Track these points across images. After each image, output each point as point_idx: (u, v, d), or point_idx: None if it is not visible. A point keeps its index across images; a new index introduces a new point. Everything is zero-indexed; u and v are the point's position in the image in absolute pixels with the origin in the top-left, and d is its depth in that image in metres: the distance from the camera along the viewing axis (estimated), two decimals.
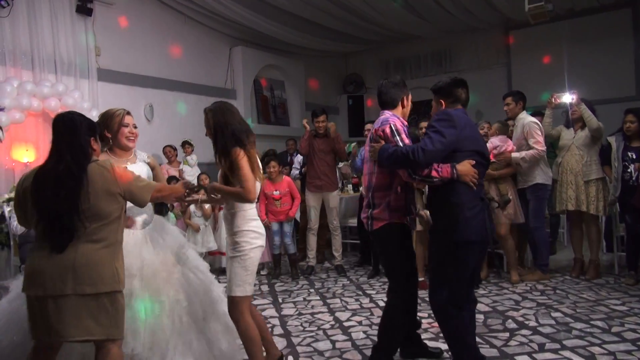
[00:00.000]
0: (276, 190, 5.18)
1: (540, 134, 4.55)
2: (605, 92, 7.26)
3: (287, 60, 9.33)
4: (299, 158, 6.40)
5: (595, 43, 7.98)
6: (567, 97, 4.62)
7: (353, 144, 6.14)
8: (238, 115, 2.63)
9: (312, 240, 5.49)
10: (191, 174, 6.53)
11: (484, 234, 2.53)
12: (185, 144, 6.82)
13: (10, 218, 4.57)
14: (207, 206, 5.66)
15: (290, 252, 5.30)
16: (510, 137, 4.77)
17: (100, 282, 2.04)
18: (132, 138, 2.68)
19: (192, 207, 5.51)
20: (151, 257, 2.52)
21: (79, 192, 2.03)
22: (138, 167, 2.64)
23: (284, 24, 7.97)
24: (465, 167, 2.46)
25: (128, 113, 2.71)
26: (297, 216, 6.43)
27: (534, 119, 4.67)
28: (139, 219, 2.63)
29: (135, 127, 2.73)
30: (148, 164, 2.78)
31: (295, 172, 6.39)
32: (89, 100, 6.09)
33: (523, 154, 4.54)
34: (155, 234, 2.67)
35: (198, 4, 7.20)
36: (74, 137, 2.12)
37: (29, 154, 5.63)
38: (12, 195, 5.12)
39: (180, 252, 2.72)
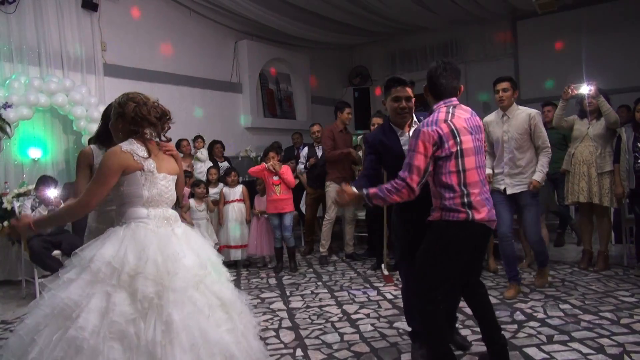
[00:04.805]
0: (275, 176, 5.27)
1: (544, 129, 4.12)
2: (616, 81, 7.18)
3: (292, 53, 9.30)
4: (304, 152, 6.39)
5: (605, 32, 7.89)
6: (585, 89, 4.39)
7: (360, 137, 6.12)
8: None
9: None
10: (202, 169, 6.53)
11: None
12: (198, 137, 6.83)
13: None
14: (210, 199, 5.69)
15: (290, 246, 5.34)
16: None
17: None
18: None
19: (192, 202, 5.50)
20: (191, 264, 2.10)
21: None
22: None
23: (290, 16, 7.94)
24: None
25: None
26: (303, 209, 6.46)
27: (537, 111, 4.13)
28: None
29: None
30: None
31: (300, 166, 6.39)
32: (96, 96, 6.12)
33: (540, 170, 3.94)
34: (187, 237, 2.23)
35: None
36: None
37: (37, 150, 5.63)
38: (22, 190, 5.17)
39: (211, 257, 2.27)
